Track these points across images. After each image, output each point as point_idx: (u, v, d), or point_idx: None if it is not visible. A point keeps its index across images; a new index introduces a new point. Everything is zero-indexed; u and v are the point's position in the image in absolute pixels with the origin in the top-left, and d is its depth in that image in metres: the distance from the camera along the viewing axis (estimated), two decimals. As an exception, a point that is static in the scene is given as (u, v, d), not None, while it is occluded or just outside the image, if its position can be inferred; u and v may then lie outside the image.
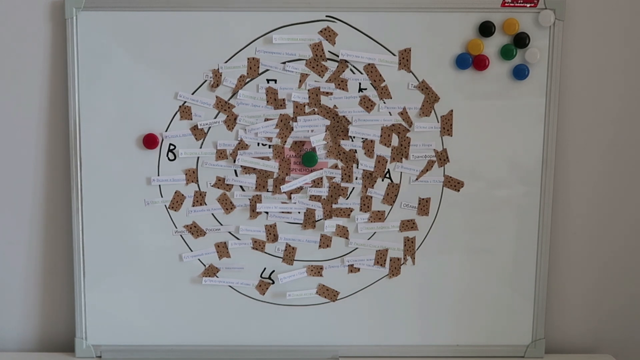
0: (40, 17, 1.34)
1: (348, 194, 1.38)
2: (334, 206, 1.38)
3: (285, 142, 1.36)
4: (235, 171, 1.37)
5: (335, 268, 1.40)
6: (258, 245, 1.39)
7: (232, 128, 1.35)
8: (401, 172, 1.37)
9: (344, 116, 1.35)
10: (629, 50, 1.37)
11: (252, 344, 1.41)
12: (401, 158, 1.36)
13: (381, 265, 1.39)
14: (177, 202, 1.37)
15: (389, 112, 1.35)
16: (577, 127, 1.39)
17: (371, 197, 1.37)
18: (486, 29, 1.32)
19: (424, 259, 1.39)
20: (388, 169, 1.37)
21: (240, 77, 1.34)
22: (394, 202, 1.38)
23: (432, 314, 1.41)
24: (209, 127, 1.35)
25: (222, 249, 1.39)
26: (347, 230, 1.38)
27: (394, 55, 1.33)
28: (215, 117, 1.35)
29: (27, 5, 1.34)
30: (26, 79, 1.36)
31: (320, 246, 1.39)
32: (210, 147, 1.36)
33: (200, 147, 1.36)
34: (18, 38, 1.35)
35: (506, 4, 1.31)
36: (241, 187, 1.37)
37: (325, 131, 1.35)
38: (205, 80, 1.34)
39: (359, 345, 1.42)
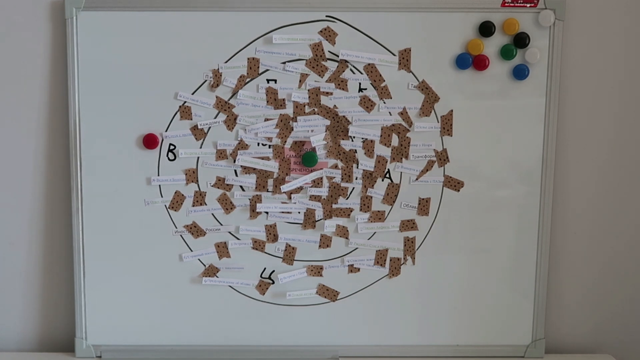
0: (40, 17, 1.34)
1: (348, 194, 1.37)
2: (334, 206, 1.38)
3: (285, 142, 1.36)
4: (235, 171, 1.37)
5: (335, 268, 1.40)
6: (258, 245, 1.39)
7: (232, 128, 1.35)
8: (401, 172, 1.37)
9: (344, 116, 1.35)
10: (629, 50, 1.37)
11: (252, 344, 1.41)
12: (401, 158, 1.36)
13: (381, 265, 1.39)
14: (177, 202, 1.37)
15: (389, 112, 1.35)
16: (577, 127, 1.39)
17: (371, 197, 1.37)
18: (486, 29, 1.31)
19: (424, 259, 1.39)
20: (388, 169, 1.36)
21: (240, 77, 1.34)
22: (394, 202, 1.37)
23: (432, 314, 1.41)
24: (209, 127, 1.35)
25: (222, 249, 1.39)
26: (347, 230, 1.38)
27: (394, 55, 1.33)
28: (215, 117, 1.35)
29: (27, 5, 1.34)
30: (26, 79, 1.36)
31: (320, 246, 1.39)
32: (210, 147, 1.36)
33: (200, 147, 1.36)
34: (18, 38, 1.35)
35: (506, 4, 1.31)
36: (241, 187, 1.37)
37: (325, 131, 1.35)
38: (205, 80, 1.34)
39: (358, 345, 1.41)
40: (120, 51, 1.32)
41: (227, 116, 1.35)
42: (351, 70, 1.34)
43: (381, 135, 1.35)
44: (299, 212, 1.38)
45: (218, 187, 1.37)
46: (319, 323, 1.41)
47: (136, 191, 1.36)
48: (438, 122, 1.35)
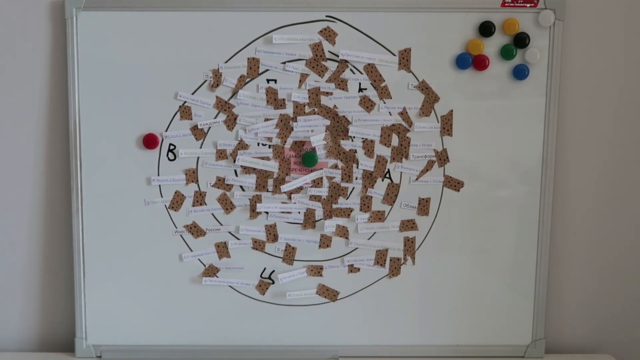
0: (40, 17, 1.34)
1: (348, 194, 1.37)
2: (334, 206, 1.37)
3: (285, 142, 1.35)
4: (235, 171, 1.36)
5: (335, 268, 1.39)
6: (258, 245, 1.39)
7: (232, 128, 1.35)
8: (401, 172, 1.37)
9: (344, 116, 1.35)
10: (629, 50, 1.37)
11: (252, 344, 1.41)
12: (401, 158, 1.36)
13: (381, 265, 1.39)
14: (177, 202, 1.37)
15: (389, 112, 1.35)
16: (577, 127, 1.38)
17: (371, 197, 1.37)
18: (486, 29, 1.31)
19: (424, 259, 1.39)
20: (388, 169, 1.36)
21: (240, 77, 1.33)
22: (394, 202, 1.37)
23: (432, 314, 1.41)
24: (209, 127, 1.35)
25: (222, 249, 1.39)
26: (347, 230, 1.38)
27: (394, 55, 1.33)
28: (215, 117, 1.35)
29: (27, 5, 1.34)
30: (26, 79, 1.36)
31: (320, 246, 1.39)
32: (210, 147, 1.36)
33: (200, 147, 1.36)
34: (18, 38, 1.35)
35: (506, 4, 1.31)
36: (241, 187, 1.37)
37: (325, 131, 1.35)
38: (205, 80, 1.33)
39: (358, 345, 1.41)
40: (120, 51, 1.32)
41: (227, 116, 1.35)
42: (351, 70, 1.34)
43: (381, 135, 1.35)
44: (299, 212, 1.37)
45: (218, 187, 1.37)
46: (319, 323, 1.41)
47: (136, 191, 1.36)
48: (438, 122, 1.35)
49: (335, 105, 1.35)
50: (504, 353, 1.41)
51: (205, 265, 1.39)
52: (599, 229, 1.43)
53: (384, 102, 1.34)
